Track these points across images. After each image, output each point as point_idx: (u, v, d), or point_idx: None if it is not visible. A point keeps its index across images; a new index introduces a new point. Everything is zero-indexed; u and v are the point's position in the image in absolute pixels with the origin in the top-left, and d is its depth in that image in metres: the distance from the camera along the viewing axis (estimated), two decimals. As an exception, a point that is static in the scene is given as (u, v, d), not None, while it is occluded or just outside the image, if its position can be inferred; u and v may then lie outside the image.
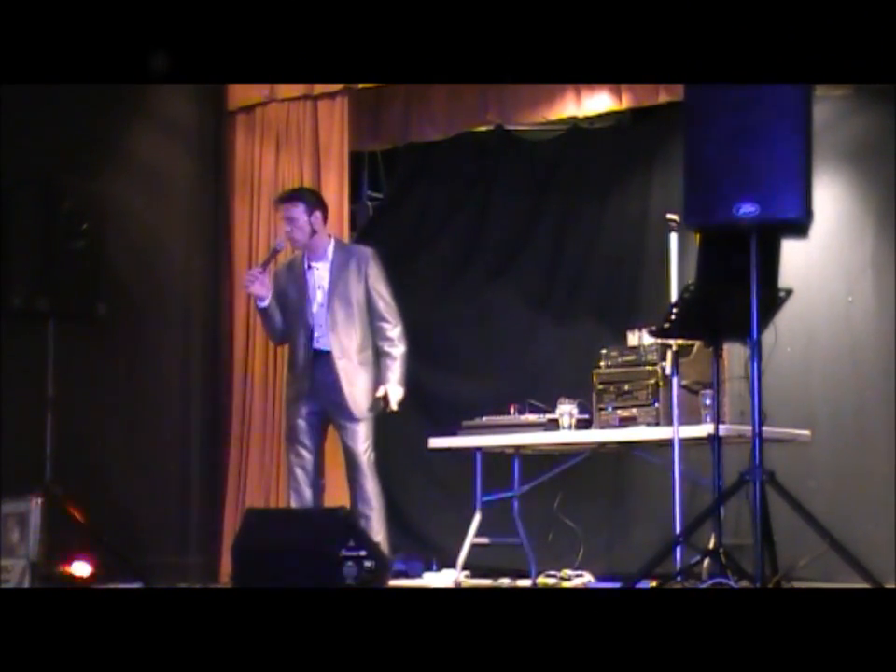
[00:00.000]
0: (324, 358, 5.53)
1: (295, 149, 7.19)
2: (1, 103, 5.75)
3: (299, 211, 5.55)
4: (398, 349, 5.56)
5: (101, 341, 6.29)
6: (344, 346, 5.52)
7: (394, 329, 5.57)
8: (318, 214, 5.59)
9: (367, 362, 5.56)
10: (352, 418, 5.50)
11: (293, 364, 5.67)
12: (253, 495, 6.95)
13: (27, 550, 5.32)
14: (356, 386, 5.51)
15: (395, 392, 5.53)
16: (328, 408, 5.56)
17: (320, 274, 5.61)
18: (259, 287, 5.53)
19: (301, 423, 5.56)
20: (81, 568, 5.44)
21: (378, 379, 5.56)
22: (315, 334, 5.56)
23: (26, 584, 5.22)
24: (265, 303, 5.57)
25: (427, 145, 7.62)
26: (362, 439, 5.51)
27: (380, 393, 5.53)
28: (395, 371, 5.54)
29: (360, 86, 6.94)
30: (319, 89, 7.08)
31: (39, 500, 5.36)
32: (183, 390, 7.06)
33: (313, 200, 5.67)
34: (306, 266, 5.64)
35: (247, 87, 7.15)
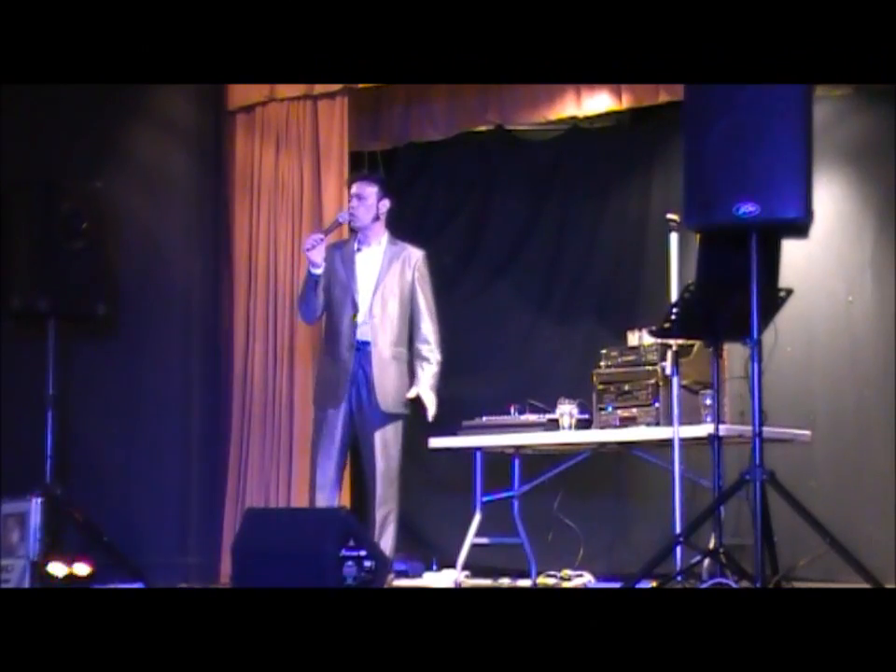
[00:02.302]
0: (362, 347, 5.47)
1: (295, 149, 7.19)
2: (1, 103, 5.75)
3: (371, 191, 5.56)
4: (435, 355, 5.54)
5: (101, 341, 6.29)
6: (383, 339, 5.46)
7: (433, 334, 5.56)
8: (387, 202, 5.60)
9: (399, 358, 5.50)
10: (380, 414, 5.42)
11: (335, 343, 5.51)
12: (253, 495, 6.95)
13: (27, 550, 5.31)
14: (386, 376, 5.44)
15: (428, 398, 5.49)
16: (358, 401, 5.46)
17: (370, 259, 5.58)
18: (317, 254, 5.46)
19: (334, 417, 5.47)
20: (80, 568, 5.43)
21: (407, 378, 5.50)
22: (358, 318, 5.48)
23: (26, 584, 5.22)
24: (318, 270, 5.49)
25: (427, 145, 7.62)
26: (391, 440, 5.44)
27: (411, 394, 5.48)
28: (430, 378, 5.51)
29: (360, 86, 6.94)
30: (319, 89, 7.08)
31: (39, 500, 5.36)
32: (183, 390, 7.06)
33: (386, 187, 5.67)
34: (355, 249, 5.61)
35: (247, 87, 7.15)
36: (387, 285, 5.52)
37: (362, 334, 5.48)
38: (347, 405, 5.47)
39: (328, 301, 5.58)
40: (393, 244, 5.65)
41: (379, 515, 5.43)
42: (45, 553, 5.30)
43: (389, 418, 5.46)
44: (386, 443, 5.45)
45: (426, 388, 5.51)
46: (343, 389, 5.46)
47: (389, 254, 5.59)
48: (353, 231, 5.77)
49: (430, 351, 5.55)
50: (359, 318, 5.48)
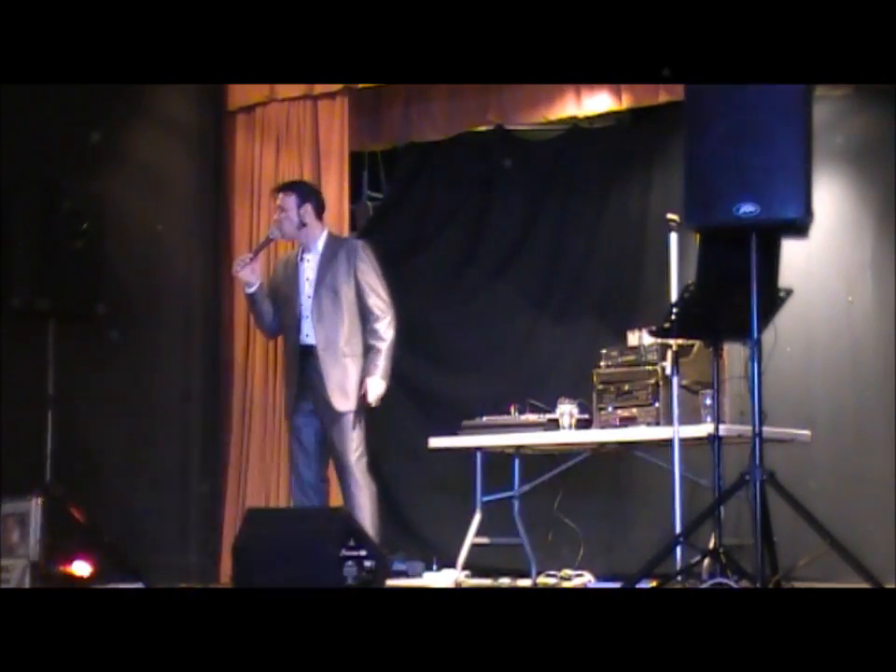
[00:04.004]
0: (312, 353, 5.49)
1: (295, 149, 7.19)
2: (1, 103, 5.75)
3: (290, 201, 5.58)
4: (383, 342, 5.46)
5: (101, 341, 6.29)
6: (329, 338, 5.46)
7: (380, 321, 5.48)
8: (309, 206, 5.59)
9: (353, 355, 5.48)
10: (334, 414, 5.41)
11: (287, 361, 5.69)
12: (253, 495, 6.95)
13: (27, 550, 5.32)
14: (335, 379, 5.43)
15: (374, 386, 5.43)
16: (316, 405, 5.50)
17: (310, 266, 5.60)
18: (247, 274, 5.56)
19: (300, 421, 5.53)
20: (82, 568, 5.43)
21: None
22: (303, 328, 5.53)
23: (26, 584, 5.22)
24: (252, 289, 5.59)
25: (427, 145, 7.62)
26: (350, 440, 5.42)
27: (363, 390, 5.45)
28: (377, 365, 5.44)
29: (360, 86, 6.94)
30: (319, 89, 7.07)
31: (39, 500, 5.36)
32: (183, 390, 7.05)
33: (305, 192, 5.69)
34: (298, 259, 5.65)
35: (247, 87, 7.15)
36: (327, 285, 5.51)
37: (311, 340, 5.51)
38: (307, 412, 5.52)
39: (279, 315, 5.65)
40: (331, 242, 5.64)
41: (350, 506, 5.40)
42: (45, 554, 5.30)
43: (344, 414, 5.43)
44: (343, 439, 5.42)
45: (374, 378, 5.43)
46: (295, 399, 5.53)
47: (327, 254, 5.58)
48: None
49: (377, 339, 5.47)
50: (306, 326, 5.51)
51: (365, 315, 5.52)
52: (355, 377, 5.47)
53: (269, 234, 5.74)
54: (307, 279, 5.58)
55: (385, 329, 5.49)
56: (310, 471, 5.53)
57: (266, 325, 5.74)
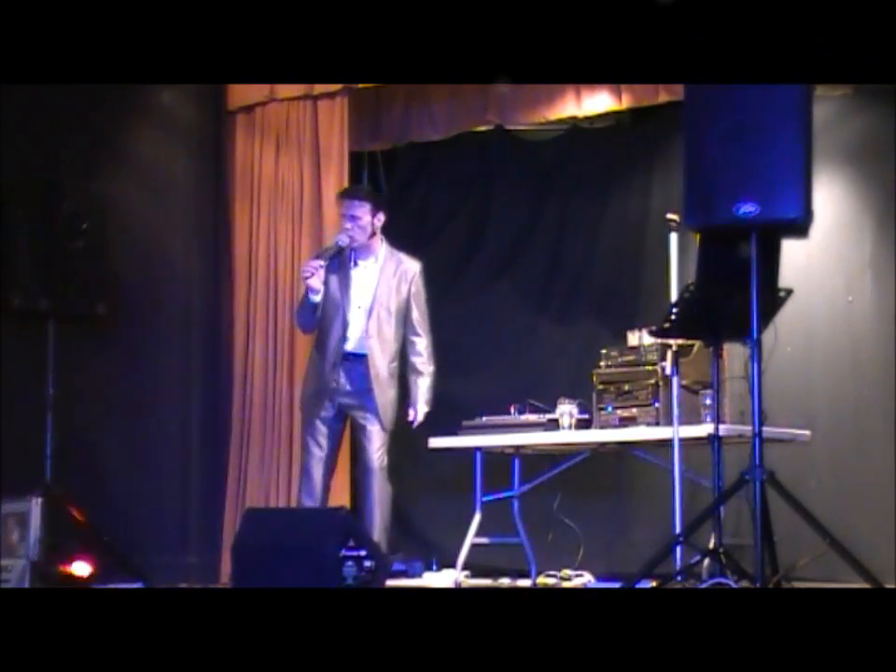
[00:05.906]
0: (354, 361, 5.52)
1: (295, 149, 7.19)
2: (1, 103, 5.75)
3: (364, 210, 5.54)
4: (428, 368, 5.62)
5: (101, 341, 6.29)
6: (380, 354, 5.51)
7: (427, 347, 5.62)
8: (381, 215, 5.59)
9: (395, 374, 5.58)
10: (374, 426, 5.50)
11: (321, 359, 5.59)
12: (253, 495, 6.95)
13: (27, 550, 5.32)
14: (386, 396, 5.52)
15: (422, 412, 5.60)
16: (350, 411, 5.55)
17: (366, 275, 5.59)
18: (316, 281, 5.48)
19: (320, 422, 5.55)
20: (82, 568, 5.44)
21: (398, 390, 5.60)
22: (348, 335, 5.54)
23: (26, 584, 5.22)
24: (318, 297, 5.52)
25: (427, 145, 7.62)
26: (379, 444, 5.52)
27: (411, 417, 5.61)
28: (424, 392, 5.60)
29: (360, 86, 6.94)
30: (319, 89, 7.07)
31: (39, 500, 5.36)
32: (183, 390, 7.05)
33: (377, 201, 5.67)
34: (352, 263, 5.61)
35: (247, 87, 7.15)
36: (383, 303, 5.55)
37: (356, 348, 5.53)
38: (334, 417, 5.55)
39: (323, 319, 5.61)
40: (390, 256, 5.64)
41: (367, 502, 5.49)
42: (45, 554, 5.30)
43: (384, 429, 5.54)
44: (372, 446, 5.51)
45: (421, 404, 5.61)
46: (325, 403, 5.53)
47: (386, 270, 5.59)
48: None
49: (423, 364, 5.62)
50: (353, 334, 5.53)
51: (408, 336, 5.62)
52: (396, 393, 5.59)
53: (338, 242, 5.57)
54: (360, 291, 5.57)
55: (430, 355, 5.64)
56: (320, 473, 5.56)
57: (312, 326, 5.69)
